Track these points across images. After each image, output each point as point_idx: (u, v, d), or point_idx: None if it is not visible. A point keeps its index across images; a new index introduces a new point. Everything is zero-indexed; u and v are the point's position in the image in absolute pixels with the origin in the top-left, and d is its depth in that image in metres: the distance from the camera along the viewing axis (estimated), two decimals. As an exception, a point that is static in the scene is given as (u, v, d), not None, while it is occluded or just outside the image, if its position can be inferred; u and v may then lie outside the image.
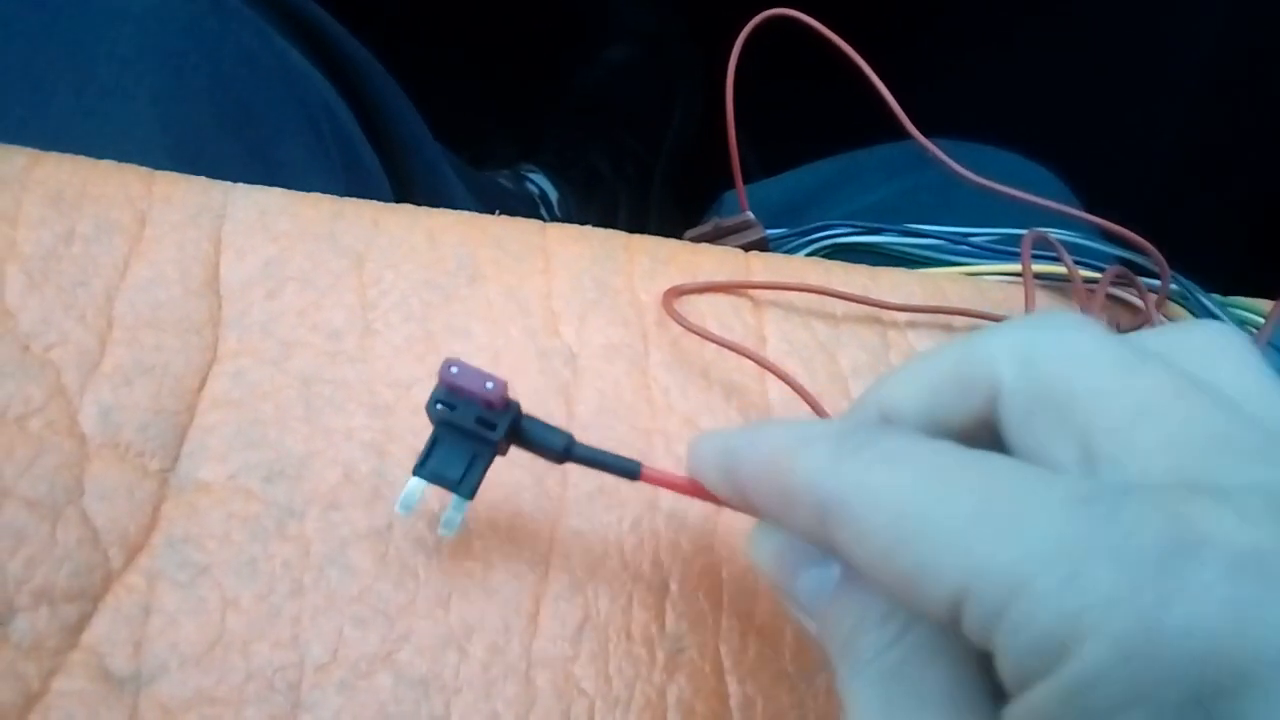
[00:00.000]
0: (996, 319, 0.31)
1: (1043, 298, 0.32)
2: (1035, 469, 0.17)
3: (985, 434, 0.19)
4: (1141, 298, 0.33)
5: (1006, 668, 0.15)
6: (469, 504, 0.22)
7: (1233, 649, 0.13)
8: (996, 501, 0.16)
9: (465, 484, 0.22)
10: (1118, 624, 0.14)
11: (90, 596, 0.22)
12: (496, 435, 0.22)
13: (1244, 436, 0.16)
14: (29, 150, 0.28)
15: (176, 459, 0.24)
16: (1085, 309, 0.32)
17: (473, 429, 0.22)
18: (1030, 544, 0.15)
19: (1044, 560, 0.15)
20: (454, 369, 0.22)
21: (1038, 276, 0.32)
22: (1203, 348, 0.18)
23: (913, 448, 0.18)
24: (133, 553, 0.23)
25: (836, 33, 0.34)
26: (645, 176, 0.87)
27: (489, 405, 0.22)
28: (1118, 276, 0.32)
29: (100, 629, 0.22)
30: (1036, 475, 0.16)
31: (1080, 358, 0.18)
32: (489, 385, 0.22)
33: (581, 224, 0.31)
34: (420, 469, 0.22)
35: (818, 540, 0.18)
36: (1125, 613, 0.14)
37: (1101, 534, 0.14)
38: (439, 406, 0.22)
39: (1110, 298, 0.33)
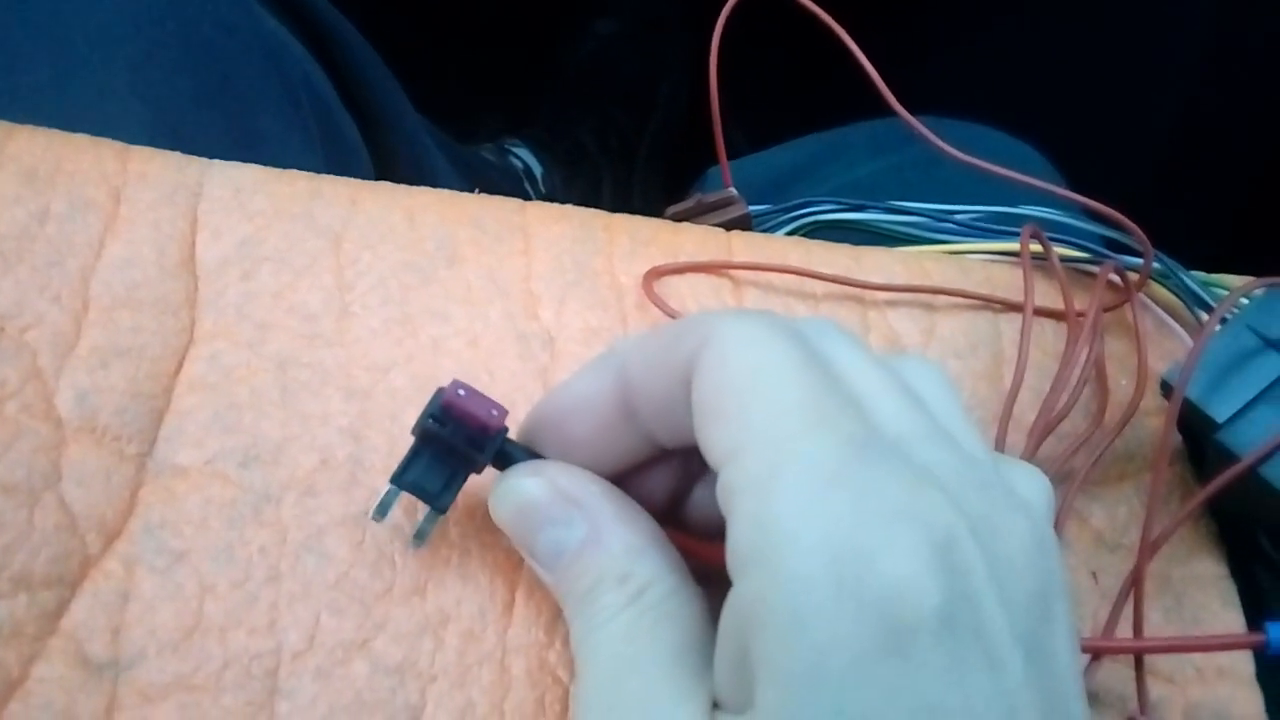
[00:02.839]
0: (976, 298, 0.31)
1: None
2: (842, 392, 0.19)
3: None
4: (1123, 277, 0.33)
5: (737, 535, 0.18)
6: (441, 517, 0.23)
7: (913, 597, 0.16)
8: (801, 403, 0.18)
9: (443, 498, 0.22)
10: (836, 548, 0.17)
11: (68, 583, 0.22)
12: (484, 458, 0.22)
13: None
14: (2, 124, 0.28)
15: (154, 443, 0.24)
16: (1067, 291, 0.32)
17: (461, 448, 0.22)
18: (801, 451, 0.18)
19: (808, 473, 0.17)
20: (461, 391, 0.22)
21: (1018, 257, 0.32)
22: (915, 369, 0.21)
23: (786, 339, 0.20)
24: (110, 538, 0.23)
25: (823, 8, 0.34)
26: (630, 151, 0.86)
27: (484, 431, 0.22)
28: (1115, 271, 0.32)
29: (79, 615, 0.22)
30: (839, 398, 0.19)
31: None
32: (494, 413, 0.22)
33: (565, 199, 0.31)
34: (399, 478, 0.22)
35: (672, 402, 0.20)
36: (843, 547, 0.17)
37: (856, 472, 0.17)
38: (430, 421, 0.22)
39: (1091, 276, 0.33)
